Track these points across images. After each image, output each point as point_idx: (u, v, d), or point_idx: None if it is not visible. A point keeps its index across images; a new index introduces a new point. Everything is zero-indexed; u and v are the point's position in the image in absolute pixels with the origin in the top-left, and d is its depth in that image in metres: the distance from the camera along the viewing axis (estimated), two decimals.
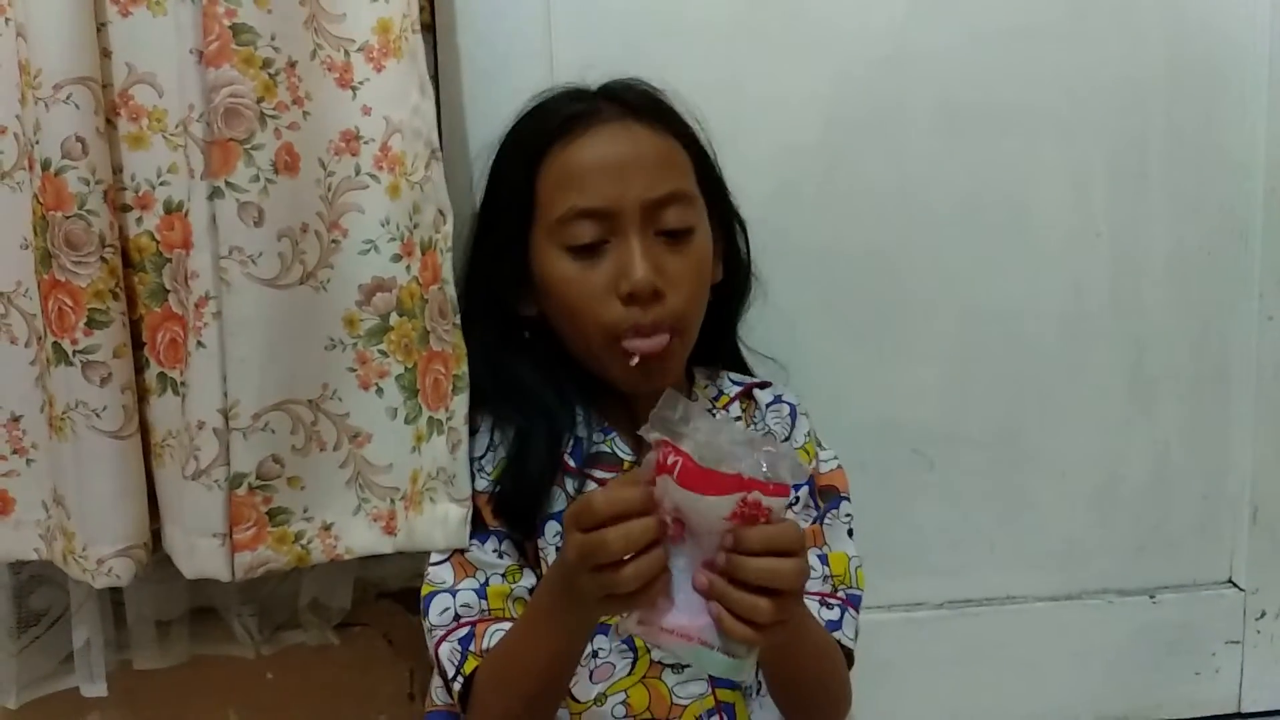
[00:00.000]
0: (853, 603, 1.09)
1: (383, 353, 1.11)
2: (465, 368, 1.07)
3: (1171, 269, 1.40)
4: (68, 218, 1.03)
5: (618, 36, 1.27)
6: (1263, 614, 1.48)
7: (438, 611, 1.03)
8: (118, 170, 1.08)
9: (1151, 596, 1.46)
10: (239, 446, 1.05)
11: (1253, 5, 1.37)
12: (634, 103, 1.07)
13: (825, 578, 1.08)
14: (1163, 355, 1.42)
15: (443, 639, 1.01)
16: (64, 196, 1.03)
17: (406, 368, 1.11)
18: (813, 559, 1.07)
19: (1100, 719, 1.47)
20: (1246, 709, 1.49)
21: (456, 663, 1.00)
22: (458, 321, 1.07)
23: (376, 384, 1.11)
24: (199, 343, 1.04)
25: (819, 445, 1.16)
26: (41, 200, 1.04)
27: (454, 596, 1.03)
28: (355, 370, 1.10)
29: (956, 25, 1.32)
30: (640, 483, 0.83)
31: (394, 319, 1.10)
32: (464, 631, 1.01)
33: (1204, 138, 1.39)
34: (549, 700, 1.00)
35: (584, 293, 1.03)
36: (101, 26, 1.06)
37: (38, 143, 1.03)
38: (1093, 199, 1.38)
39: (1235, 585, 1.47)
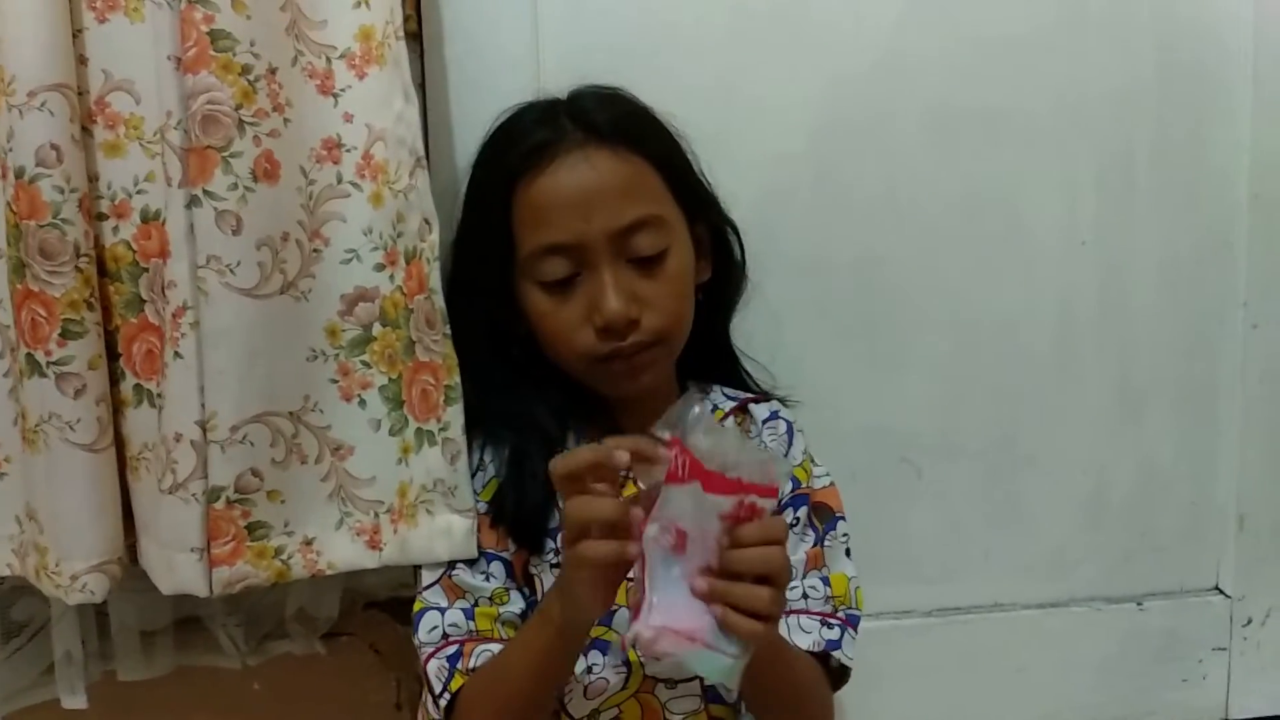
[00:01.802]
0: (852, 623, 1.07)
1: (365, 364, 1.05)
2: (457, 378, 1.02)
3: (1159, 277, 1.36)
4: (41, 227, 0.98)
5: (606, 45, 1.22)
6: (1249, 621, 1.43)
7: (426, 629, 1.00)
8: (94, 179, 1.02)
9: (1139, 604, 1.41)
10: (217, 459, 0.99)
11: (1239, 14, 1.33)
12: (598, 124, 1.01)
13: (827, 598, 1.06)
14: (1150, 363, 1.37)
15: (431, 655, 0.99)
16: (38, 205, 0.98)
17: (390, 379, 1.05)
18: (815, 581, 1.07)
19: None
20: (1234, 716, 1.44)
21: (444, 679, 0.97)
22: (447, 332, 1.02)
23: (359, 395, 1.05)
24: (176, 353, 0.98)
25: (813, 462, 1.13)
26: (15, 209, 0.98)
27: (443, 615, 1.00)
28: (337, 382, 1.05)
29: (947, 32, 1.28)
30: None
31: (377, 329, 1.05)
32: (452, 649, 0.98)
33: (1191, 146, 1.35)
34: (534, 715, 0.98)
35: (560, 326, 1.01)
36: (78, 33, 1.01)
37: (11, 150, 0.98)
38: (1081, 206, 1.34)
39: (1222, 592, 1.43)
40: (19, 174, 0.97)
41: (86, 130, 1.01)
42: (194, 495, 0.99)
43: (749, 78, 1.25)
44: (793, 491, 1.09)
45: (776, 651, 0.96)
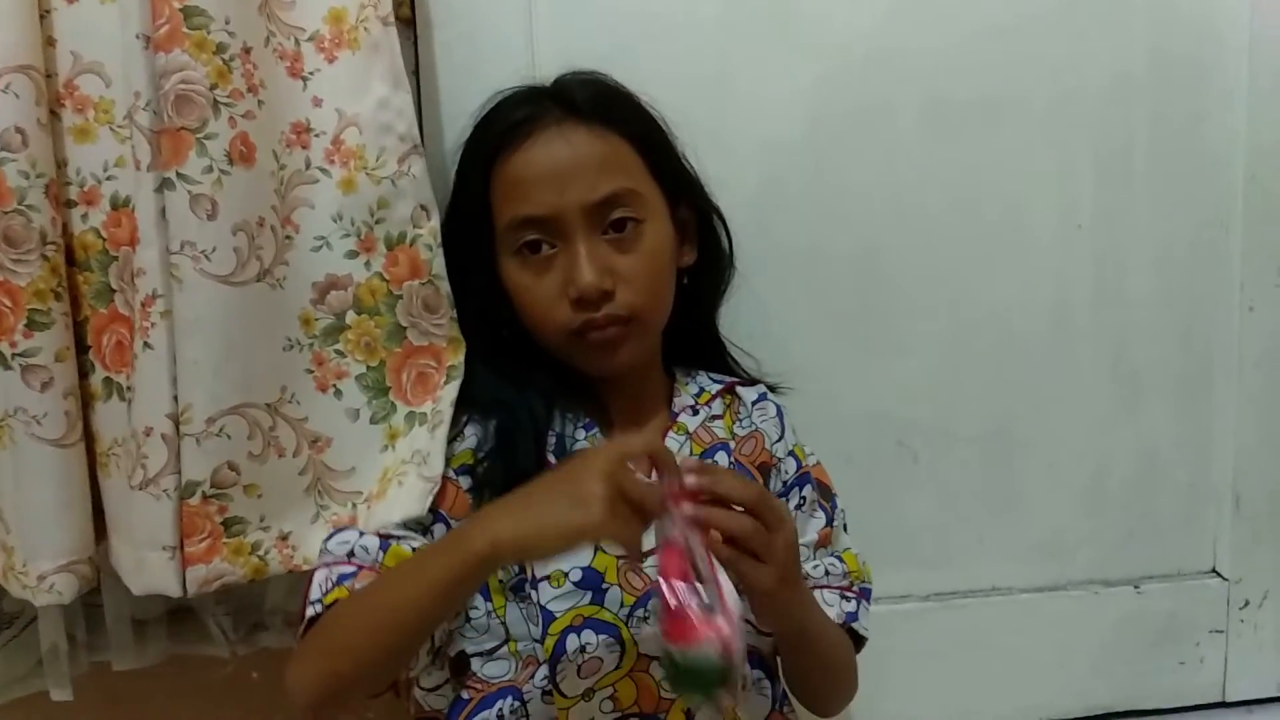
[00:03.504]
0: (865, 595, 1.05)
1: (339, 353, 0.96)
2: (461, 357, 0.96)
3: (1155, 261, 1.27)
4: (6, 213, 0.89)
5: (601, 32, 1.14)
6: (1246, 603, 1.34)
7: (337, 542, 0.90)
8: (62, 164, 0.93)
9: (1136, 587, 1.32)
10: (192, 453, 0.90)
11: (1234, 1, 1.24)
12: (578, 102, 0.96)
13: (845, 574, 1.05)
14: (1147, 347, 1.29)
15: (326, 565, 0.89)
16: (2, 191, 0.89)
17: (369, 367, 0.96)
18: (832, 560, 1.05)
19: (1086, 709, 1.34)
20: (1230, 698, 1.36)
21: (325, 589, 0.87)
22: (454, 315, 0.95)
23: (335, 385, 0.96)
24: (146, 344, 0.89)
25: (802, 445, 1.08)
26: None
27: (359, 537, 0.90)
28: (312, 372, 0.96)
29: (942, 21, 1.20)
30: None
31: (350, 317, 0.96)
32: (349, 569, 0.88)
33: (1187, 132, 1.26)
34: (387, 652, 0.84)
35: (538, 299, 0.95)
36: (46, 14, 0.92)
37: None
38: (1077, 193, 1.25)
39: (1219, 575, 1.34)
40: None
41: (55, 114, 0.92)
42: (165, 491, 0.90)
43: (744, 67, 1.17)
44: (796, 471, 1.05)
45: (818, 621, 0.96)
